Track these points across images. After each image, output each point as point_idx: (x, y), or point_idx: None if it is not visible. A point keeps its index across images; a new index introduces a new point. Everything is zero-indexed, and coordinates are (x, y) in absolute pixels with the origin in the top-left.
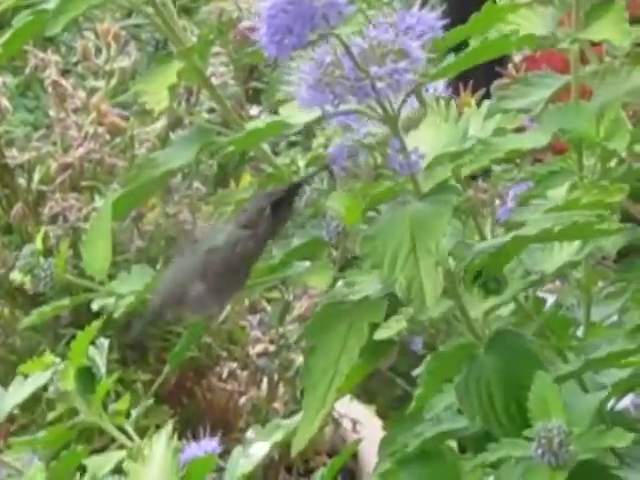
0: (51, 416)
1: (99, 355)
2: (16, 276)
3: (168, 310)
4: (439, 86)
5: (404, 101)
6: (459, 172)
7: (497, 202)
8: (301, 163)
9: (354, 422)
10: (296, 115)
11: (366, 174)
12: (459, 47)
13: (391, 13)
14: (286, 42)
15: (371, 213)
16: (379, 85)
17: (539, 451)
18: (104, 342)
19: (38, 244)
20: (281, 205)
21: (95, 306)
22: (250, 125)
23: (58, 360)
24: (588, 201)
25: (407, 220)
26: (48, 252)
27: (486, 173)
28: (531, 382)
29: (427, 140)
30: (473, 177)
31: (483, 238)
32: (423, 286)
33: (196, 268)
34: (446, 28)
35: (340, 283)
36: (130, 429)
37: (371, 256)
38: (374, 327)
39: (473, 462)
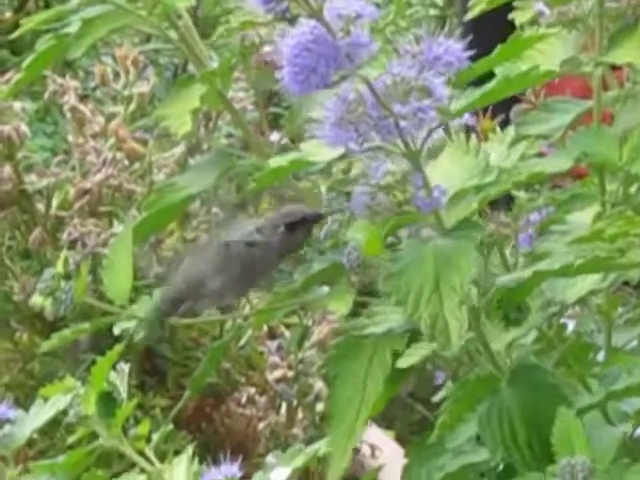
0: (71, 440)
1: (120, 380)
2: (37, 299)
3: (185, 300)
4: (466, 115)
5: (427, 137)
6: (484, 204)
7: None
8: (323, 188)
9: (373, 447)
10: (319, 152)
11: (388, 211)
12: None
13: (417, 43)
14: (310, 81)
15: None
16: (402, 123)
17: None
18: (125, 367)
19: (59, 267)
20: (297, 228)
21: (116, 330)
22: (273, 163)
23: (79, 384)
24: (613, 232)
25: (431, 257)
26: (67, 277)
27: (507, 198)
28: (554, 416)
29: (447, 173)
30: (493, 202)
31: (507, 268)
32: (448, 324)
33: (215, 261)
34: (472, 59)
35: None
36: (151, 454)
37: (395, 293)
38: (396, 354)
39: None
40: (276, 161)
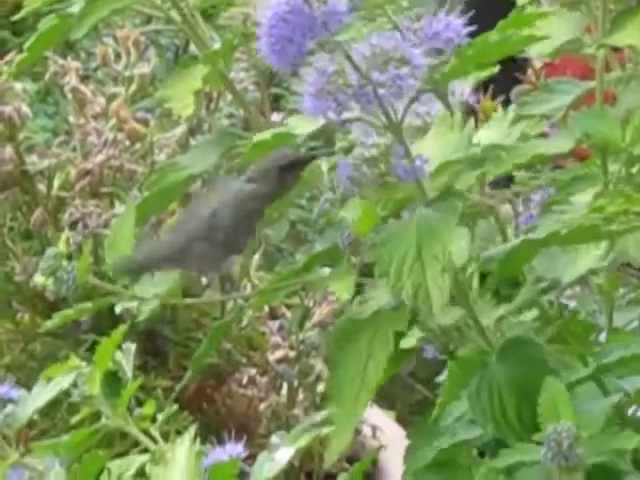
0: (74, 420)
1: (125, 359)
2: (38, 279)
3: (171, 263)
4: (465, 91)
5: (408, 107)
6: (483, 180)
7: (521, 209)
8: (324, 167)
9: (374, 428)
10: (302, 125)
11: (371, 183)
12: None
13: (417, 19)
14: (286, 51)
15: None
16: (381, 91)
17: (549, 454)
18: (131, 347)
19: (61, 247)
20: (289, 171)
21: (118, 309)
22: (257, 137)
23: (83, 364)
24: (613, 210)
25: (413, 227)
26: (68, 257)
27: (508, 179)
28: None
29: (433, 148)
30: (493, 183)
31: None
32: (429, 293)
33: (203, 222)
34: (473, 36)
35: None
36: (156, 434)
37: (378, 264)
38: (397, 335)
39: (484, 468)
40: (259, 135)
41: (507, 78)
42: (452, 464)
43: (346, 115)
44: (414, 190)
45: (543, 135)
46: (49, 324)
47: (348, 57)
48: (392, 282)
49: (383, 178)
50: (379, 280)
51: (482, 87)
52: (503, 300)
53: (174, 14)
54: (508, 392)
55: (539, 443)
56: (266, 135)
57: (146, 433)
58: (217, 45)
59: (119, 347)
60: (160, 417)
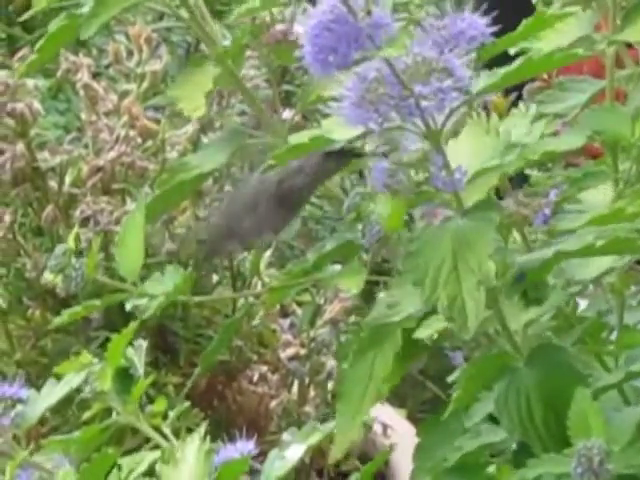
0: (86, 416)
1: (137, 356)
2: (47, 275)
3: (225, 242)
4: None
5: (448, 117)
6: (503, 181)
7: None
8: None
9: (385, 426)
10: (339, 130)
11: (407, 191)
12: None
13: (442, 17)
14: (330, 61)
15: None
16: (424, 104)
17: (579, 470)
18: (142, 343)
19: (70, 244)
20: (332, 158)
21: (128, 306)
22: (293, 139)
23: (95, 360)
24: (633, 211)
25: (449, 238)
26: (79, 254)
27: (520, 178)
28: (571, 396)
29: (468, 152)
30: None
31: (527, 247)
32: (465, 305)
33: (248, 199)
34: (496, 35)
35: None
36: (167, 430)
37: (413, 273)
38: (409, 331)
39: (512, 477)
40: (297, 138)
41: None
42: (475, 468)
43: (386, 124)
44: (451, 200)
45: (555, 133)
46: (57, 321)
47: (391, 67)
48: (427, 293)
49: (420, 187)
50: (410, 286)
51: None
52: (531, 303)
53: (183, 12)
54: (536, 398)
55: (568, 456)
56: (303, 138)
57: (157, 430)
58: (227, 43)
59: (130, 344)
60: (171, 414)
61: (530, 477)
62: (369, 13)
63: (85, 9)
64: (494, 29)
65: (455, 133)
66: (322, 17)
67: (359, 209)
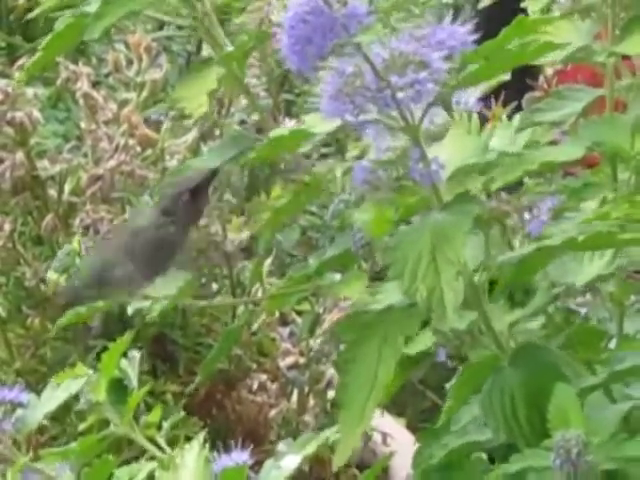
0: (82, 427)
1: (131, 367)
2: (51, 276)
3: (90, 290)
4: (470, 100)
5: (426, 111)
6: (489, 186)
7: (528, 216)
8: (338, 172)
9: (384, 435)
10: (319, 124)
11: (386, 186)
12: None
13: (422, 26)
14: (306, 52)
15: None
16: (399, 95)
17: (558, 461)
18: (136, 354)
19: (75, 245)
20: (199, 192)
21: (130, 310)
22: (273, 133)
23: (90, 371)
24: (618, 215)
25: (428, 230)
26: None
27: (519, 186)
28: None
29: (449, 152)
30: (503, 190)
31: (510, 246)
32: (444, 296)
33: (122, 248)
34: (478, 42)
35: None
36: (162, 441)
37: (392, 266)
38: (408, 339)
39: (495, 472)
40: (277, 131)
41: (519, 85)
42: (462, 466)
43: (363, 117)
44: (430, 194)
45: (553, 143)
46: (60, 323)
47: (367, 59)
48: (406, 284)
49: (399, 182)
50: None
51: (494, 94)
52: (517, 305)
53: (190, 15)
54: (520, 397)
55: (548, 448)
56: (283, 131)
57: (152, 441)
58: (230, 49)
59: (125, 355)
60: (165, 425)
61: (511, 471)
62: (344, 4)
63: (92, 7)
64: (475, 38)
65: (440, 139)
66: (298, 9)
67: (343, 216)
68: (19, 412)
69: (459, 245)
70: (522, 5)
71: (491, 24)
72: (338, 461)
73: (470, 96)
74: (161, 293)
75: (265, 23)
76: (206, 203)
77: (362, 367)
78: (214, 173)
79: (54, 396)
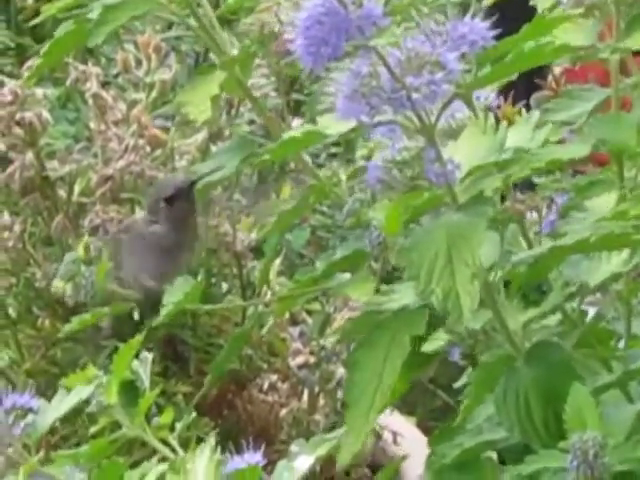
0: (93, 430)
1: (143, 368)
2: (57, 283)
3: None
4: (490, 96)
5: (441, 111)
6: (508, 183)
7: (544, 214)
8: (343, 175)
9: (395, 434)
10: (333, 125)
11: (401, 185)
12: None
13: (443, 22)
14: (321, 53)
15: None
16: (415, 96)
17: (574, 463)
18: (148, 356)
19: (80, 252)
20: (176, 200)
21: (137, 315)
22: (287, 134)
23: (101, 373)
24: (635, 214)
25: (443, 231)
26: (89, 263)
27: (527, 184)
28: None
29: (464, 152)
30: (514, 188)
31: (530, 246)
32: (459, 298)
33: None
34: (497, 38)
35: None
36: (174, 442)
37: (408, 268)
38: (419, 339)
39: (510, 473)
40: (290, 133)
41: (527, 84)
42: (476, 465)
43: (378, 118)
44: (445, 194)
45: (561, 141)
46: (67, 329)
47: (383, 60)
48: (422, 286)
49: (414, 182)
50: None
51: (502, 93)
52: (531, 305)
53: (191, 21)
54: (535, 396)
55: (564, 450)
56: (296, 132)
57: (164, 442)
58: (235, 52)
59: (137, 356)
60: (178, 426)
61: (526, 472)
62: (360, 5)
63: (93, 15)
64: (495, 33)
65: (456, 138)
66: (313, 10)
67: (358, 215)
68: (29, 417)
69: (475, 246)
70: (531, 3)
71: (500, 21)
72: (342, 460)
73: (488, 92)
74: (171, 298)
75: (270, 25)
76: (191, 211)
77: (369, 367)
78: (191, 185)
79: (65, 401)
